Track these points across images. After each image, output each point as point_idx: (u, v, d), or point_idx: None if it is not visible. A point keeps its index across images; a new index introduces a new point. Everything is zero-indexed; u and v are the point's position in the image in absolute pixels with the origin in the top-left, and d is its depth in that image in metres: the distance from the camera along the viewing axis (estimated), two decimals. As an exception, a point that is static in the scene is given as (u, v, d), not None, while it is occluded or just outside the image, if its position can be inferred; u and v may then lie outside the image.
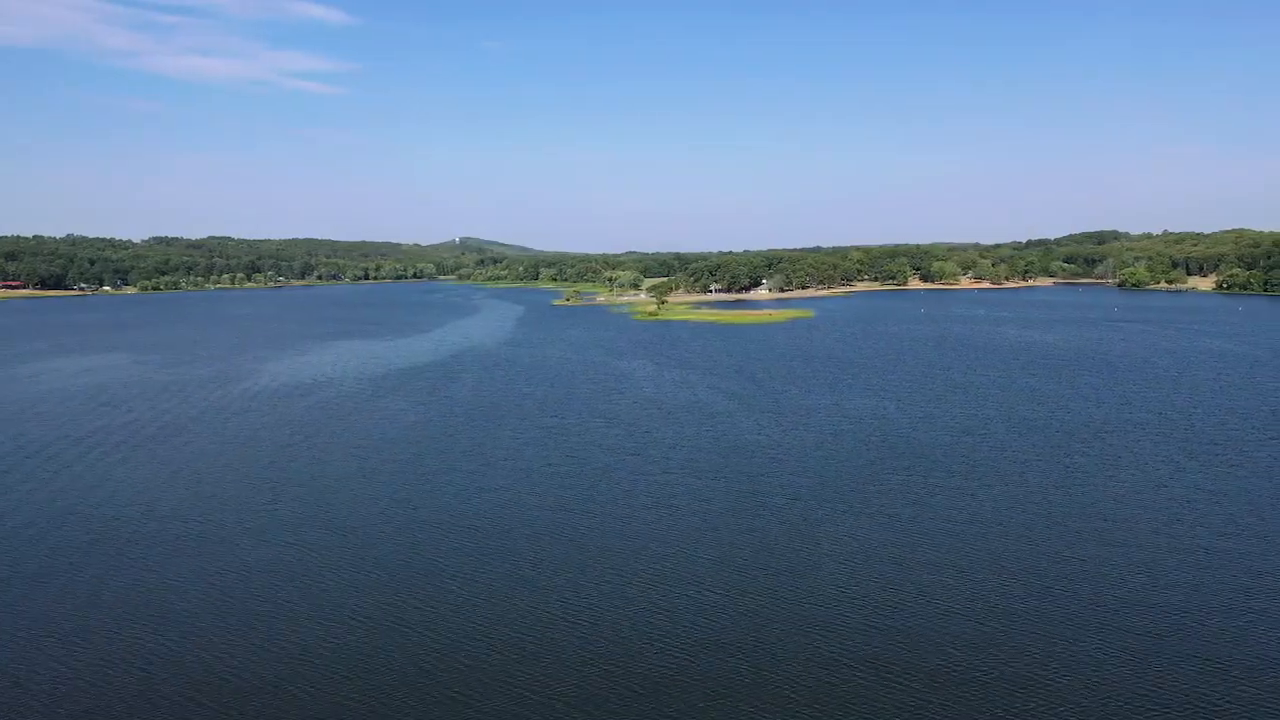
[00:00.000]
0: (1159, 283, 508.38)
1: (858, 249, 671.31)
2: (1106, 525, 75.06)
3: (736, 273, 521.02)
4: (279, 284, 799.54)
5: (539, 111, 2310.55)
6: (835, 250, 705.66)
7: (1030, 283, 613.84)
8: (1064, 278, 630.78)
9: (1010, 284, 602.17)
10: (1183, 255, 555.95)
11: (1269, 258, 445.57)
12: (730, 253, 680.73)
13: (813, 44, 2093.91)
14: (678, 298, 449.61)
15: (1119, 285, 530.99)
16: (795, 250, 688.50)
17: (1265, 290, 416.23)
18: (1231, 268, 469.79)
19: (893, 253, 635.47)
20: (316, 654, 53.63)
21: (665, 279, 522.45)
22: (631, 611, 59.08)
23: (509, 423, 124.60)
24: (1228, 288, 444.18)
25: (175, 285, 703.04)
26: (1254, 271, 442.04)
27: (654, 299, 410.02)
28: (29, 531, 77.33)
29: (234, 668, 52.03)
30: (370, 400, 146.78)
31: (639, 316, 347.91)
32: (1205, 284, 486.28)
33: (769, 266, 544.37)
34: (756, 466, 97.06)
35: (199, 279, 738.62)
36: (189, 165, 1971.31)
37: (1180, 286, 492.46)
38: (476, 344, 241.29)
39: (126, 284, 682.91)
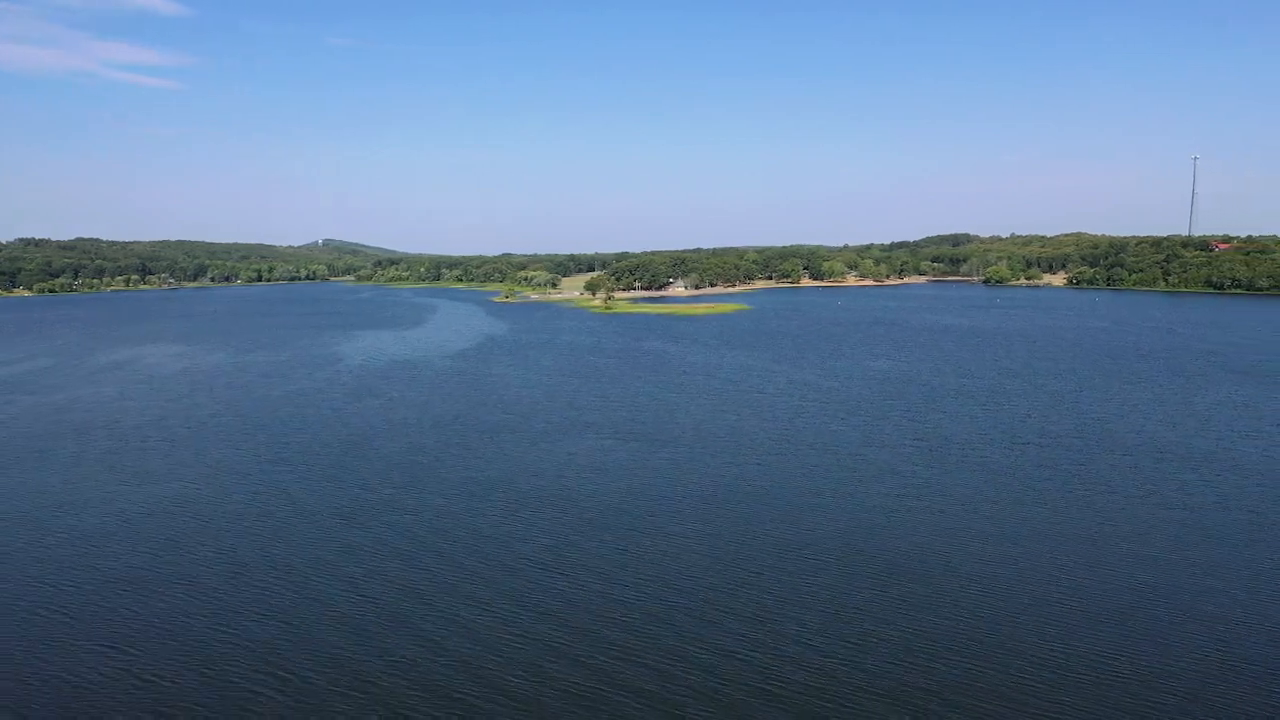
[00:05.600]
0: (1019, 279, 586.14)
1: (752, 250, 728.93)
2: (1098, 417, 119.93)
3: (656, 272, 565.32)
4: (170, 285, 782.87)
5: (390, 112, 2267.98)
6: (724, 250, 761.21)
7: (906, 280, 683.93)
8: (934, 275, 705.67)
9: (890, 281, 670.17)
10: (1033, 255, 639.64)
11: (1108, 257, 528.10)
12: (631, 254, 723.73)
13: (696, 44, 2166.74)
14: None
15: (984, 282, 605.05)
16: (691, 251, 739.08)
17: (1109, 285, 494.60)
18: (1078, 266, 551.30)
19: (783, 254, 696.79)
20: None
21: (593, 275, 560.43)
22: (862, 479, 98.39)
23: (626, 380, 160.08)
24: (1078, 283, 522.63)
25: (69, 288, 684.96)
26: (1098, 269, 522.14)
27: (588, 294, 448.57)
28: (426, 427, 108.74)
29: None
30: (483, 368, 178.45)
31: (594, 310, 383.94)
32: (1058, 280, 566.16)
33: (674, 266, 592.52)
34: (854, 394, 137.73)
35: (92, 281, 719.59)
36: (22, 159, 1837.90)
37: (1037, 283, 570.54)
38: (491, 333, 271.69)
39: (16, 286, 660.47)
